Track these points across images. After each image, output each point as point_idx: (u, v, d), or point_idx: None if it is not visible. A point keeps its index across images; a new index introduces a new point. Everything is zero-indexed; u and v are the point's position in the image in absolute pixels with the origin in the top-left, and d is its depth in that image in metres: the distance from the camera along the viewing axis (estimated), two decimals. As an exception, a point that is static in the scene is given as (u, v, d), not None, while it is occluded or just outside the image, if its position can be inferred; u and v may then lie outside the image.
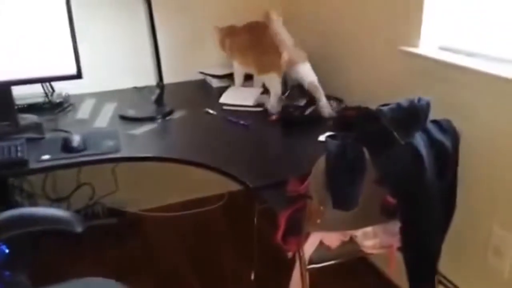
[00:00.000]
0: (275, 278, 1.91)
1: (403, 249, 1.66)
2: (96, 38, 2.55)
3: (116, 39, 2.64)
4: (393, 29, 2.05)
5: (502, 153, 1.63)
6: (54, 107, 2.36)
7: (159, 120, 2.22)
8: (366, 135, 1.51)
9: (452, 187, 1.66)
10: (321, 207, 1.54)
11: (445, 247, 1.69)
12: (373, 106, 1.56)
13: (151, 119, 2.22)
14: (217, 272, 2.49)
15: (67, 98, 2.44)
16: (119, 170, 2.71)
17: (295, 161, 1.85)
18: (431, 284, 1.74)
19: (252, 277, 2.39)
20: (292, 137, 2.09)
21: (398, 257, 1.70)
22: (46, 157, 1.80)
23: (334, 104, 2.27)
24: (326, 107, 2.23)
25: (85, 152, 1.85)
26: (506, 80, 1.55)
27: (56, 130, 2.09)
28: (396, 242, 1.69)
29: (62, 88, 2.45)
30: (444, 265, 1.80)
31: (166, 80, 2.34)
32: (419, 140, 1.51)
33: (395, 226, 1.64)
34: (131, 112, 2.27)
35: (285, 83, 2.36)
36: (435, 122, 1.60)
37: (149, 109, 2.29)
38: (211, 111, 2.31)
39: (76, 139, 1.88)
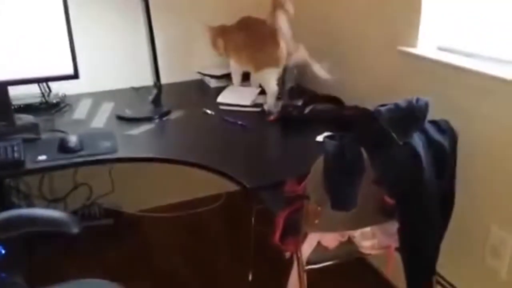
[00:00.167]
0: (273, 279, 1.90)
1: (401, 249, 1.66)
2: (93, 38, 2.54)
3: (113, 38, 2.63)
4: (392, 29, 2.05)
5: (500, 153, 1.63)
6: (50, 107, 2.35)
7: (157, 121, 2.21)
8: (364, 136, 1.51)
9: (450, 187, 1.66)
10: (319, 208, 1.54)
11: (443, 248, 1.69)
12: (371, 106, 1.56)
13: (148, 119, 2.21)
14: (215, 272, 2.49)
15: (63, 98, 2.43)
16: (116, 171, 2.70)
17: (293, 161, 1.85)
18: (429, 285, 1.74)
19: (250, 277, 2.39)
20: (290, 137, 2.08)
21: (396, 257, 1.70)
22: (42, 157, 1.79)
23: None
24: (320, 70, 2.23)
25: (82, 153, 1.84)
26: (504, 81, 1.55)
27: (52, 130, 2.08)
28: (394, 242, 1.69)
29: (59, 88, 2.44)
30: (442, 266, 1.79)
31: (164, 80, 2.34)
32: (417, 141, 1.51)
33: (393, 226, 1.64)
34: (128, 112, 2.26)
35: (282, 84, 2.36)
36: (433, 122, 1.60)
37: (146, 110, 2.29)
38: (208, 111, 2.30)
39: (72, 140, 1.87)
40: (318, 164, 1.46)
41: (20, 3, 1.98)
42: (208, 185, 2.86)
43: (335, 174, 1.46)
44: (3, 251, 1.76)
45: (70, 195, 2.69)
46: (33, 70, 2.07)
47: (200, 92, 2.71)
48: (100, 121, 2.20)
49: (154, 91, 2.32)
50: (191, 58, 2.79)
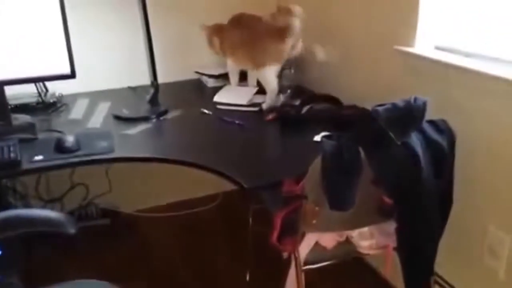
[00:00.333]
0: (271, 279, 1.90)
1: (399, 249, 1.66)
2: (90, 37, 2.53)
3: (110, 38, 2.62)
4: (389, 29, 2.04)
5: (498, 153, 1.63)
6: (47, 107, 2.34)
7: (154, 120, 2.20)
8: (362, 135, 1.51)
9: (448, 187, 1.66)
10: (317, 208, 1.54)
11: (441, 248, 1.69)
12: (369, 106, 1.55)
13: (145, 119, 2.20)
14: (212, 272, 2.48)
15: (60, 98, 2.42)
16: (113, 170, 2.69)
17: (290, 161, 1.84)
18: (427, 285, 1.74)
19: (248, 277, 2.38)
20: (288, 137, 2.08)
21: (394, 257, 1.70)
22: (39, 157, 1.79)
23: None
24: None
25: (79, 153, 1.83)
26: (502, 80, 1.55)
27: (49, 130, 2.07)
28: (392, 242, 1.69)
29: (56, 88, 2.44)
30: (441, 265, 1.79)
31: (161, 79, 2.33)
32: (415, 140, 1.51)
33: (391, 226, 1.64)
34: (125, 112, 2.26)
35: (280, 83, 2.35)
36: (431, 122, 1.60)
37: (143, 109, 2.28)
38: (206, 111, 2.29)
39: (69, 140, 1.86)
40: (316, 164, 1.46)
41: (17, 3, 1.97)
42: (205, 184, 2.85)
43: (333, 174, 1.46)
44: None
45: (67, 195, 2.68)
46: (30, 69, 2.06)
47: (197, 91, 2.70)
48: (97, 121, 2.19)
49: (151, 91, 2.31)
50: (188, 57, 2.79)
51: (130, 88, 2.65)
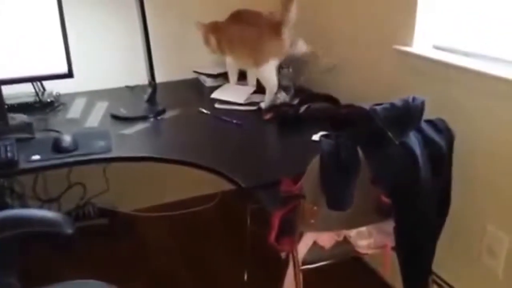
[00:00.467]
0: (269, 279, 1.89)
1: (397, 248, 1.66)
2: (87, 37, 2.53)
3: (107, 37, 2.62)
4: (387, 28, 2.04)
5: (496, 152, 1.63)
6: (44, 107, 2.33)
7: (151, 120, 2.20)
8: (360, 135, 1.50)
9: (447, 187, 1.66)
10: (315, 207, 1.53)
11: (440, 247, 1.69)
12: (367, 105, 1.55)
13: (143, 118, 2.20)
14: (210, 272, 2.48)
15: (58, 97, 2.42)
16: (111, 170, 2.69)
17: (288, 161, 1.84)
18: (426, 284, 1.74)
19: (245, 277, 2.38)
20: (286, 136, 2.08)
21: (393, 257, 1.70)
22: (36, 157, 1.78)
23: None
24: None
25: (76, 152, 1.83)
26: (501, 80, 1.55)
27: (46, 130, 2.06)
28: (390, 241, 1.69)
29: (53, 87, 2.43)
30: (439, 265, 1.79)
31: (159, 79, 2.32)
32: (413, 140, 1.51)
33: (390, 225, 1.64)
34: (123, 112, 2.25)
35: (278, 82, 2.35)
36: (429, 121, 1.60)
37: (141, 109, 2.28)
38: (204, 111, 2.29)
39: (67, 139, 1.86)
40: (314, 164, 1.46)
41: (15, 2, 1.97)
42: (203, 184, 2.84)
43: (331, 173, 1.46)
44: (-4, 252, 1.75)
45: (64, 195, 2.68)
46: (27, 69, 2.06)
47: (195, 91, 2.70)
48: (94, 120, 2.19)
49: (149, 90, 2.30)
50: (186, 56, 2.78)
51: (128, 87, 2.64)
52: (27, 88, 2.36)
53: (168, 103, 2.34)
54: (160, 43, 2.47)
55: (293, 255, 1.66)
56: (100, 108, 2.32)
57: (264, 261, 2.27)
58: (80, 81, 2.28)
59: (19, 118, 2.12)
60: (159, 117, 2.22)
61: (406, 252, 1.66)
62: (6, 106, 2.12)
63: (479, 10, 1.75)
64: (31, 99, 2.35)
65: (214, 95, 2.44)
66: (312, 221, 1.57)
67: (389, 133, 1.47)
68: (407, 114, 1.51)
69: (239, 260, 2.46)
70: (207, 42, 2.48)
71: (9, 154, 1.73)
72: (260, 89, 2.42)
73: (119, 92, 2.60)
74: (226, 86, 2.56)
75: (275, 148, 2.07)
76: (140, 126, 2.12)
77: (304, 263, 1.69)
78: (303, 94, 2.37)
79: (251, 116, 2.24)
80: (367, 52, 2.21)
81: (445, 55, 1.82)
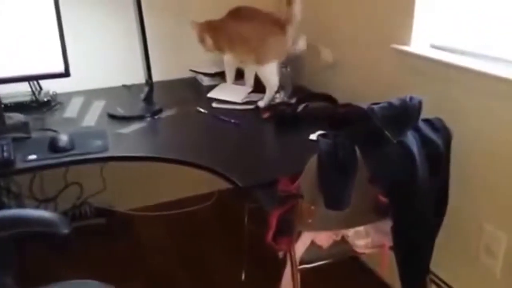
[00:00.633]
0: (266, 278, 1.89)
1: (395, 248, 1.66)
2: (84, 35, 2.52)
3: (104, 36, 2.61)
4: (385, 27, 2.04)
5: (494, 151, 1.63)
6: (41, 106, 2.32)
7: (148, 119, 2.19)
8: (358, 134, 1.50)
9: (444, 186, 1.66)
10: (313, 207, 1.53)
11: (437, 246, 1.69)
12: (365, 104, 1.55)
13: (140, 117, 2.19)
14: (207, 272, 2.47)
15: (54, 97, 2.41)
16: (108, 169, 2.68)
17: (286, 160, 1.84)
18: (423, 283, 1.74)
19: (243, 277, 2.38)
20: (284, 136, 2.07)
21: (390, 256, 1.70)
22: (32, 157, 1.77)
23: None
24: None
25: (73, 152, 1.82)
26: (498, 79, 1.55)
27: (43, 129, 2.05)
28: (388, 241, 1.69)
29: (50, 87, 2.42)
30: (437, 264, 1.79)
31: (156, 78, 2.32)
32: (411, 139, 1.51)
33: (387, 225, 1.64)
34: (119, 111, 2.24)
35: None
36: (427, 121, 1.60)
37: (138, 108, 2.27)
38: (201, 110, 2.28)
39: (63, 139, 1.85)
40: (312, 163, 1.46)
41: (11, 1, 1.96)
42: (200, 183, 2.84)
43: (328, 172, 1.45)
44: (-9, 252, 1.75)
45: (61, 195, 2.67)
46: (24, 68, 2.05)
47: (192, 90, 2.69)
48: (91, 119, 2.18)
49: (146, 89, 2.30)
50: (183, 55, 2.77)
51: (124, 86, 2.64)
52: (24, 87, 2.35)
53: (165, 102, 2.34)
54: (157, 42, 2.46)
55: (290, 254, 1.65)
56: (97, 108, 2.32)
57: (262, 261, 2.27)
58: (77, 80, 2.27)
59: (16, 117, 2.12)
60: (156, 117, 2.22)
61: (404, 251, 1.66)
62: (2, 106, 2.12)
63: (477, 9, 1.75)
64: (27, 99, 2.34)
65: (211, 94, 2.44)
66: (310, 220, 1.57)
67: (387, 132, 1.47)
68: (405, 114, 1.51)
69: (236, 260, 2.45)
70: (202, 41, 2.46)
71: (5, 154, 1.72)
72: (257, 88, 2.41)
73: (116, 91, 2.60)
74: (223, 85, 2.56)
75: (272, 147, 2.06)
76: (137, 126, 2.11)
77: (301, 263, 1.69)
78: (301, 93, 2.37)
79: (249, 115, 2.24)
80: (365, 51, 2.20)
81: (443, 54, 1.82)
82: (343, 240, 1.77)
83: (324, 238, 1.74)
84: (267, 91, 2.30)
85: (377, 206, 1.63)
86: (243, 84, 2.53)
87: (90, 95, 2.49)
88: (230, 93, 2.41)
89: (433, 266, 1.74)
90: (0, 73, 2.01)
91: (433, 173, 1.56)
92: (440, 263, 1.82)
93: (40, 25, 2.01)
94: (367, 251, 1.79)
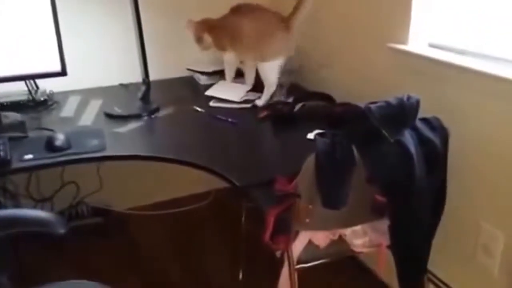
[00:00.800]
0: (264, 278, 1.89)
1: (392, 247, 1.66)
2: (81, 34, 2.51)
3: (101, 35, 2.60)
4: (382, 26, 2.04)
5: (491, 150, 1.63)
6: (38, 105, 2.32)
7: (145, 118, 2.19)
8: (355, 133, 1.50)
9: (442, 185, 1.65)
10: (310, 206, 1.53)
11: (435, 246, 1.69)
12: (362, 103, 1.54)
13: (137, 116, 2.19)
14: (205, 271, 2.47)
15: (51, 96, 2.40)
16: (104, 169, 2.67)
17: (283, 159, 1.84)
18: (421, 283, 1.74)
19: (240, 276, 2.37)
20: (281, 135, 2.07)
21: (388, 255, 1.70)
22: (29, 156, 1.77)
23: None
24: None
25: (69, 151, 1.81)
26: (495, 78, 1.55)
27: (39, 128, 2.05)
28: (385, 240, 1.69)
29: (46, 86, 2.41)
30: (434, 264, 1.79)
31: (153, 77, 2.31)
32: (408, 138, 1.51)
33: (384, 224, 1.63)
34: (116, 110, 2.24)
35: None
36: (424, 120, 1.60)
37: (135, 107, 2.26)
38: (198, 109, 2.28)
39: (60, 138, 1.85)
40: (309, 162, 1.45)
41: (8, 0, 1.95)
42: (196, 182, 2.84)
43: (326, 172, 1.45)
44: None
45: (57, 194, 2.66)
46: (20, 67, 2.05)
47: (190, 89, 2.69)
48: (88, 118, 2.17)
49: (143, 88, 2.29)
50: (180, 54, 2.76)
51: (121, 85, 2.63)
52: (20, 86, 2.34)
53: (162, 101, 2.33)
54: (154, 40, 2.45)
55: (288, 254, 1.65)
56: (94, 107, 2.31)
57: (259, 260, 2.27)
58: (74, 79, 2.27)
59: (12, 116, 2.11)
60: (153, 116, 2.21)
61: (401, 250, 1.65)
62: (-2, 105, 2.12)
63: (475, 8, 1.75)
64: (24, 98, 2.33)
65: (210, 92, 2.43)
66: (307, 220, 1.57)
67: (384, 132, 1.46)
68: (402, 113, 1.50)
69: (233, 259, 2.45)
70: (199, 40, 2.44)
71: (1, 153, 1.72)
72: (255, 87, 2.41)
73: (113, 90, 2.59)
74: (221, 83, 2.55)
75: (270, 146, 2.06)
76: (134, 125, 2.11)
77: (299, 262, 1.68)
78: (298, 92, 2.36)
79: (246, 114, 2.23)
80: (362, 50, 2.20)
81: (441, 53, 1.81)
82: (341, 239, 1.76)
83: (322, 238, 1.73)
84: (266, 89, 2.30)
85: (374, 205, 1.62)
86: (241, 82, 2.53)
87: (87, 94, 2.48)
88: (228, 92, 2.41)
89: (430, 265, 1.74)
90: (-3, 72, 2.01)
91: (431, 172, 1.56)
92: (438, 262, 1.82)
93: (37, 24, 2.01)
94: (364, 250, 1.78)
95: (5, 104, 2.26)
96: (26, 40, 2.00)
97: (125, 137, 2.00)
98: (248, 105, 2.31)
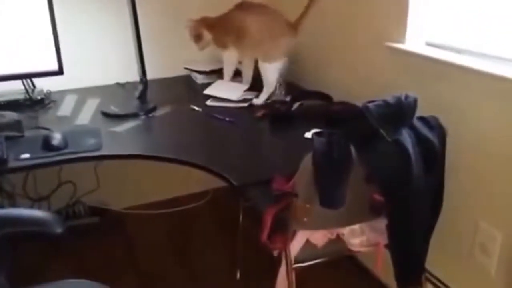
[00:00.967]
0: (261, 277, 1.89)
1: (390, 246, 1.66)
2: (78, 33, 2.51)
3: (98, 34, 2.60)
4: (379, 25, 2.03)
5: (489, 149, 1.63)
6: (34, 104, 2.31)
7: (143, 117, 2.18)
8: (353, 132, 1.50)
9: (439, 184, 1.65)
10: (308, 205, 1.53)
11: (433, 245, 1.69)
12: (359, 102, 1.54)
13: (134, 115, 2.18)
14: (202, 270, 2.47)
15: (48, 95, 2.39)
16: (102, 168, 2.67)
17: (281, 158, 1.83)
18: (419, 282, 1.74)
19: (238, 276, 2.37)
20: (278, 134, 2.07)
21: (386, 255, 1.70)
22: (25, 155, 1.76)
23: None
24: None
25: (66, 150, 1.81)
26: (493, 77, 1.55)
27: (36, 127, 2.04)
28: (383, 239, 1.69)
29: (43, 85, 2.40)
30: (432, 263, 1.79)
31: (150, 75, 2.30)
32: (406, 137, 1.51)
33: (382, 223, 1.63)
34: (113, 109, 2.23)
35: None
36: (422, 119, 1.60)
37: (132, 106, 2.26)
38: (196, 108, 2.27)
39: (57, 137, 1.84)
40: (307, 161, 1.45)
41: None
42: (194, 182, 2.84)
43: (323, 171, 1.45)
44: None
45: (55, 193, 2.66)
46: (17, 66, 2.05)
47: (187, 88, 2.68)
48: (85, 117, 2.17)
49: (140, 87, 2.29)
50: (178, 53, 2.76)
51: (118, 84, 2.62)
52: (17, 85, 2.33)
53: (159, 100, 2.33)
54: (151, 39, 2.45)
55: (285, 253, 1.65)
56: (91, 106, 2.30)
57: (257, 260, 2.27)
58: (71, 78, 2.27)
59: (9, 115, 2.09)
60: (150, 115, 2.21)
61: (399, 249, 1.65)
62: (-5, 104, 2.11)
63: (472, 6, 1.75)
64: (21, 97, 2.32)
65: (208, 91, 2.42)
66: (305, 219, 1.57)
67: (382, 131, 1.46)
68: (400, 112, 1.50)
69: (231, 258, 2.45)
70: (198, 37, 2.43)
71: (-2, 152, 1.71)
72: (253, 86, 2.41)
73: (110, 89, 2.59)
74: (219, 82, 2.54)
75: (267, 145, 2.06)
76: (131, 124, 2.10)
77: (296, 261, 1.68)
78: (296, 91, 2.36)
79: (243, 113, 2.23)
80: (360, 49, 2.20)
81: (438, 52, 1.81)
82: (338, 238, 1.76)
83: (319, 237, 1.73)
84: (265, 89, 2.30)
85: (372, 205, 1.63)
86: (239, 81, 2.52)
87: (84, 93, 2.47)
88: (226, 91, 2.40)
89: (428, 265, 1.74)
90: (-7, 71, 2.00)
91: (428, 171, 1.56)
92: (436, 261, 1.82)
93: (34, 23, 2.00)
94: (362, 249, 1.79)
95: (1, 103, 2.25)
96: (23, 39, 2.00)
97: (122, 136, 2.00)
98: (245, 104, 2.31)
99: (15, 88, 2.34)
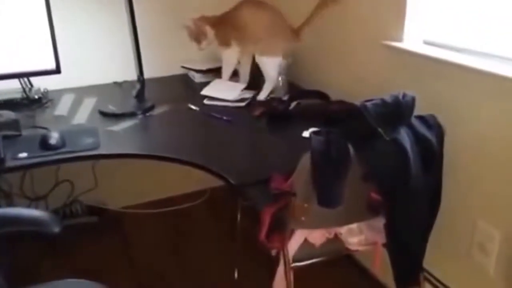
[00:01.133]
0: (259, 276, 1.89)
1: (388, 245, 1.66)
2: (75, 32, 2.50)
3: (95, 33, 2.59)
4: (377, 24, 2.03)
5: (487, 148, 1.63)
6: (32, 103, 2.30)
7: (140, 116, 2.18)
8: (351, 131, 1.50)
9: (437, 183, 1.65)
10: (306, 204, 1.53)
11: (431, 244, 1.69)
12: (357, 101, 1.54)
13: (131, 114, 2.18)
14: (200, 270, 2.46)
15: (45, 94, 2.39)
16: (99, 167, 2.67)
17: (279, 158, 1.83)
18: (417, 281, 1.74)
19: (236, 275, 2.37)
20: (276, 133, 2.07)
21: (384, 254, 1.70)
22: (23, 155, 1.76)
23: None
24: None
25: (64, 149, 1.81)
26: (491, 76, 1.55)
27: (34, 126, 2.04)
28: (381, 238, 1.69)
29: (41, 84, 2.40)
30: (430, 263, 1.79)
31: (147, 74, 2.30)
32: (404, 136, 1.50)
33: (380, 222, 1.63)
34: (111, 108, 2.23)
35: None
36: (420, 117, 1.59)
37: (129, 105, 2.25)
38: (193, 107, 2.27)
39: (54, 136, 1.84)
40: (305, 160, 1.45)
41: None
42: (192, 181, 2.83)
43: (321, 170, 1.45)
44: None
45: (52, 193, 2.65)
46: (14, 65, 2.04)
47: (184, 87, 2.68)
48: (82, 117, 2.16)
49: (138, 86, 2.28)
50: (175, 52, 2.76)
51: (116, 83, 2.62)
52: (14, 84, 2.33)
53: (157, 99, 2.32)
54: (149, 38, 2.45)
55: (283, 252, 1.65)
56: (88, 105, 2.30)
57: (255, 259, 2.26)
58: (68, 77, 2.26)
59: (6, 115, 2.08)
60: (147, 114, 2.20)
61: (397, 249, 1.65)
62: (-8, 103, 2.11)
63: (470, 5, 1.75)
64: (18, 96, 2.32)
65: (205, 92, 2.41)
66: (303, 218, 1.57)
67: (380, 129, 1.46)
68: (398, 110, 1.50)
69: (229, 258, 2.45)
70: (199, 35, 2.41)
71: (-5, 152, 1.71)
72: (250, 85, 2.40)
73: (107, 88, 2.58)
74: (217, 81, 2.53)
75: (265, 144, 2.05)
76: (128, 123, 2.10)
77: (294, 261, 1.68)
78: (293, 90, 2.36)
79: (241, 113, 2.23)
80: (357, 48, 2.20)
81: (436, 50, 1.81)
82: (336, 237, 1.76)
83: (317, 236, 1.73)
84: (267, 83, 2.30)
85: (370, 204, 1.63)
86: (236, 81, 2.52)
87: (81, 92, 2.47)
88: (224, 90, 2.39)
89: (426, 264, 1.74)
90: (-10, 70, 1.99)
91: (426, 170, 1.56)
92: (434, 260, 1.82)
93: (31, 22, 2.00)
94: (360, 248, 1.79)
95: (-1, 102, 2.25)
96: (20, 38, 1.99)
97: (120, 136, 1.99)
98: (243, 103, 2.30)
99: (12, 87, 2.34)
